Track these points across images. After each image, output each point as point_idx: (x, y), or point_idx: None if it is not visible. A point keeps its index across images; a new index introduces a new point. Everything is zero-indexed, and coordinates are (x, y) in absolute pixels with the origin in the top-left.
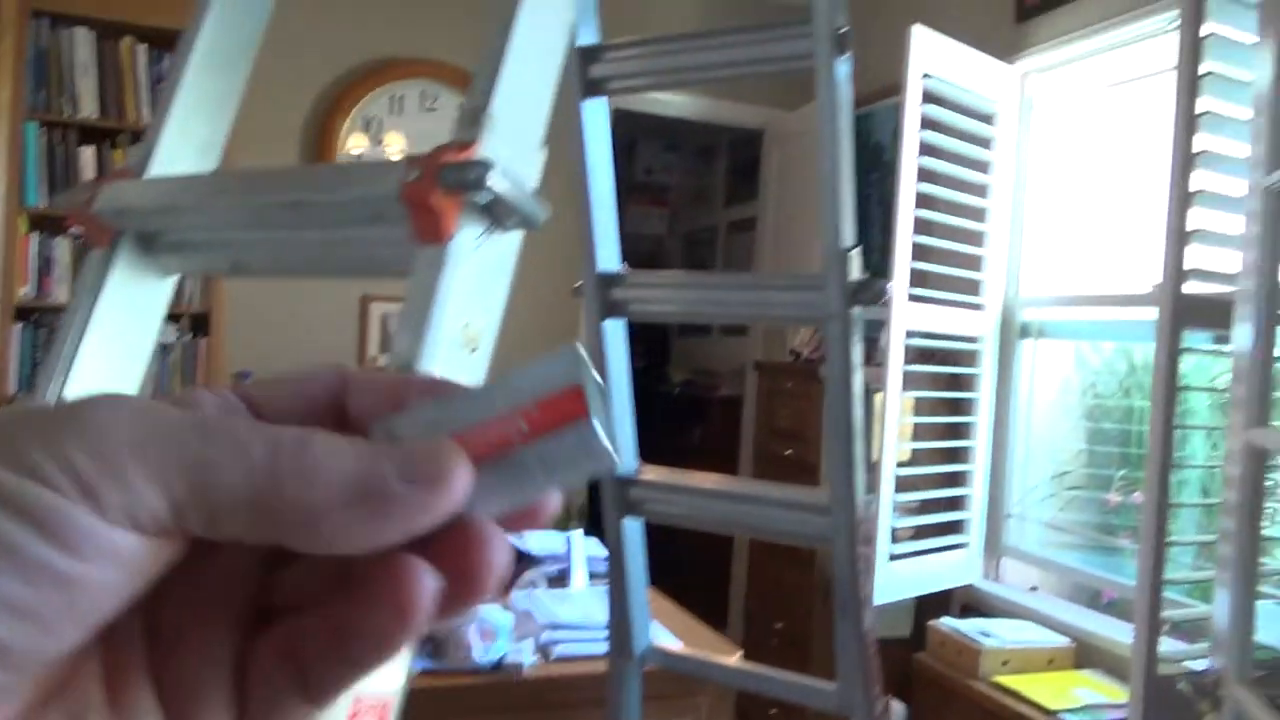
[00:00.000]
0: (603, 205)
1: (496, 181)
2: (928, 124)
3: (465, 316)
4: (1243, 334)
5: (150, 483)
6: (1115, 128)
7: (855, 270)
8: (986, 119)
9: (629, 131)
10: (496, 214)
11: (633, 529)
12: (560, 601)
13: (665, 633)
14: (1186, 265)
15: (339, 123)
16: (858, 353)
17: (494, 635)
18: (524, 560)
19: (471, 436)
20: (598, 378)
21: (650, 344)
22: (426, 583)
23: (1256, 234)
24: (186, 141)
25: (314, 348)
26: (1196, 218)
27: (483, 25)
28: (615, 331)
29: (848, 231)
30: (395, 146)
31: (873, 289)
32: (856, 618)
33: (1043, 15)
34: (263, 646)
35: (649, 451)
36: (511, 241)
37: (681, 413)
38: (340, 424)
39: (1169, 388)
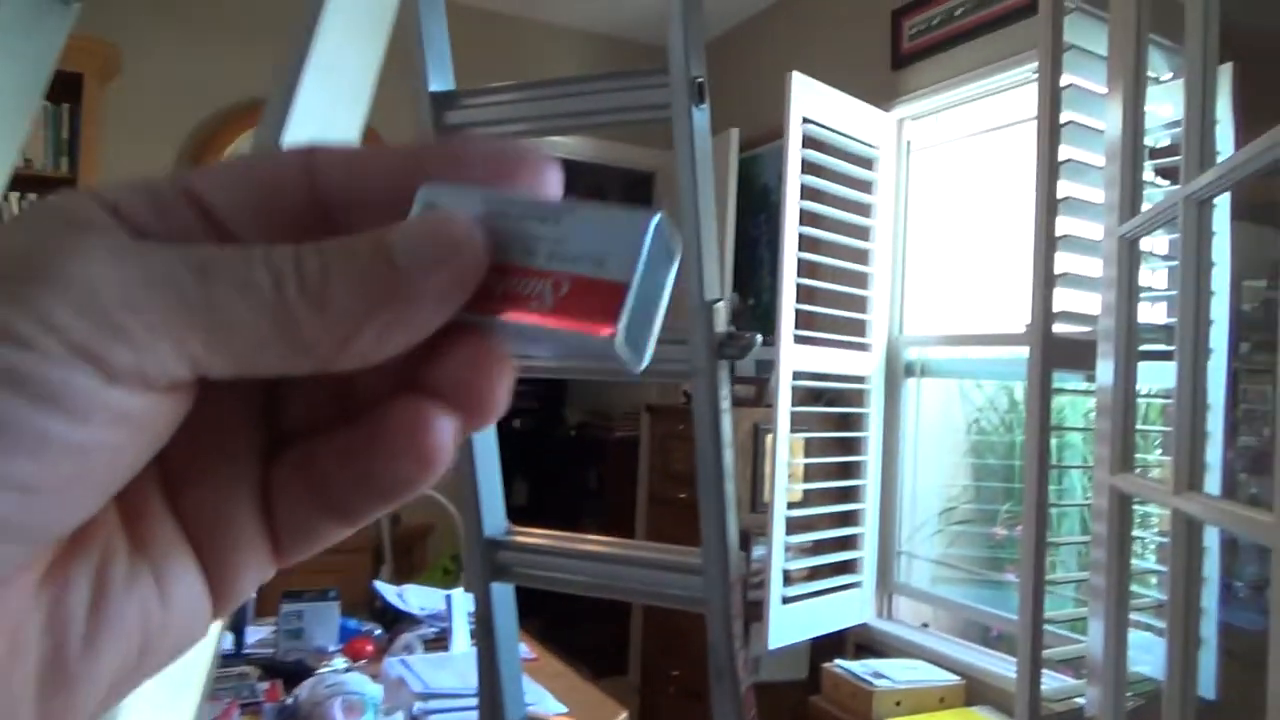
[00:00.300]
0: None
1: None
2: (811, 169)
3: None
4: (1104, 372)
5: (159, 338)
6: (989, 173)
7: (721, 323)
8: (867, 163)
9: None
10: None
11: (502, 594)
12: (437, 667)
13: (547, 697)
14: (1055, 308)
15: (210, 161)
16: (726, 419)
17: (360, 710)
18: (401, 621)
19: (504, 271)
20: (671, 246)
21: (546, 384)
22: (445, 431)
23: (1113, 277)
24: None
25: None
26: (1062, 262)
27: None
28: None
29: (712, 283)
30: None
31: (740, 342)
32: (733, 682)
33: (916, 64)
34: (284, 473)
35: (546, 493)
36: None
37: (578, 455)
38: (318, 218)
39: (1041, 427)
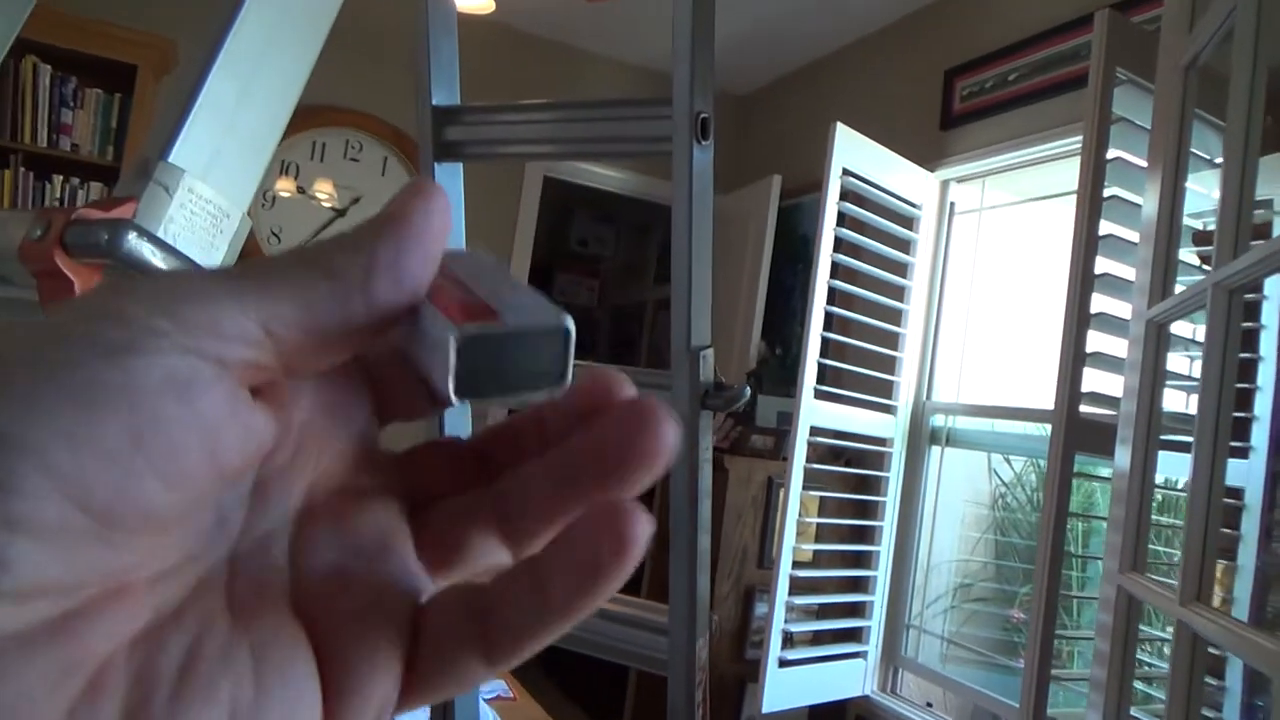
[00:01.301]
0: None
1: (136, 245)
2: (850, 223)
3: None
4: (1121, 458)
5: (254, 319)
6: (1032, 242)
7: (707, 372)
8: (908, 222)
9: (564, 200)
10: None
11: (446, 173)
12: None
13: None
14: (1083, 388)
15: None
16: (706, 469)
17: None
18: None
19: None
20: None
21: None
22: (639, 519)
23: (1138, 360)
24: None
25: None
26: (1095, 341)
27: (407, 79)
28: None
29: (701, 329)
30: (324, 193)
31: (726, 394)
32: None
33: (966, 125)
34: (442, 596)
35: None
36: None
37: None
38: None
39: (1058, 511)
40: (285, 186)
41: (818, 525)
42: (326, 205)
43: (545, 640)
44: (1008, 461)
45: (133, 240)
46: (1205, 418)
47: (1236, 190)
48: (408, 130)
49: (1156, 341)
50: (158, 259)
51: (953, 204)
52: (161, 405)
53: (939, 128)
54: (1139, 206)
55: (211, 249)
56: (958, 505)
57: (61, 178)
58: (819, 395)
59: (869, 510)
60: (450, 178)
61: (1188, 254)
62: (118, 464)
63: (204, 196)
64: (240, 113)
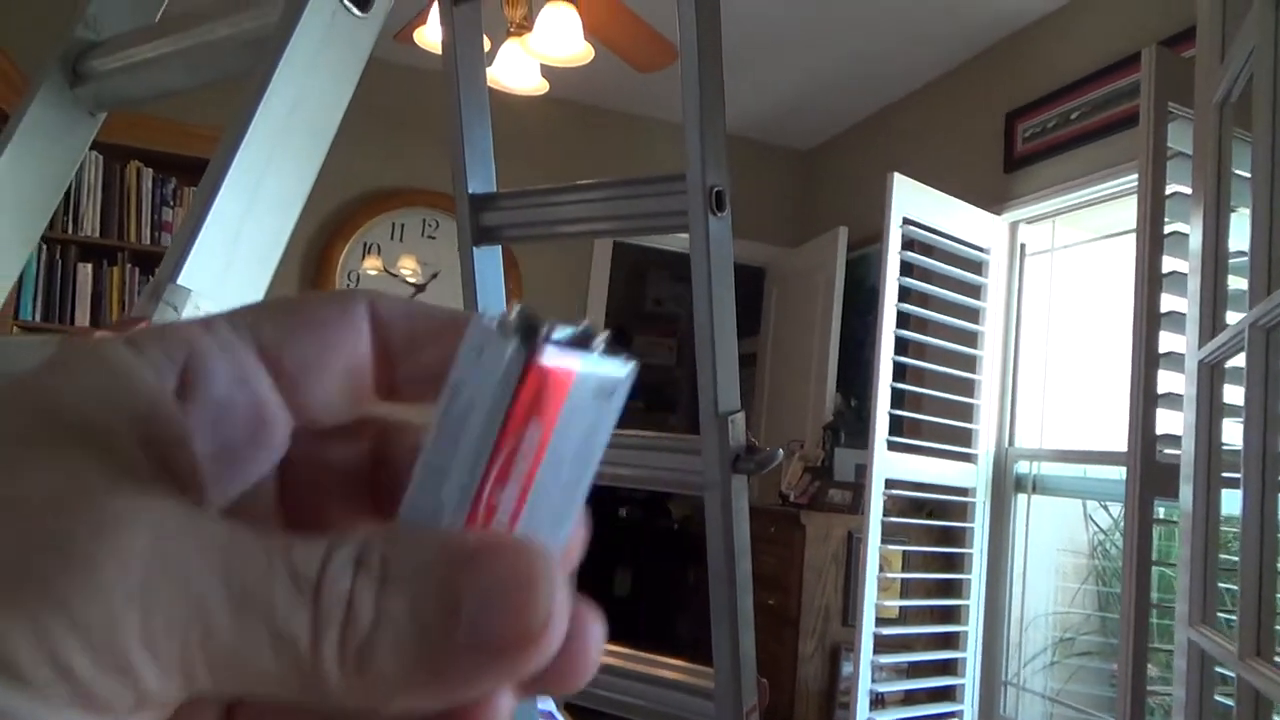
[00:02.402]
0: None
1: None
2: (917, 272)
3: None
4: (1185, 498)
5: (169, 678)
6: (1105, 280)
7: (738, 436)
8: (976, 267)
9: (639, 262)
10: None
11: (486, 258)
12: None
13: None
14: (1158, 429)
15: (340, 246)
16: (743, 528)
17: None
18: None
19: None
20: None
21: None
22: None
23: (1193, 396)
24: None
25: None
26: (1166, 380)
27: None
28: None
29: (729, 394)
30: (408, 268)
31: (757, 456)
32: None
33: (1030, 166)
34: None
35: (647, 585)
36: None
37: (679, 550)
38: (381, 367)
39: (1139, 560)
40: (373, 264)
41: (902, 580)
42: (410, 280)
43: None
44: (1105, 508)
45: None
46: (1251, 458)
47: (1265, 223)
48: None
49: (1210, 379)
50: None
51: (1023, 245)
52: None
53: (1003, 170)
54: None
55: None
56: (1051, 555)
57: (132, 264)
58: (894, 447)
59: (956, 563)
60: (489, 259)
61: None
62: None
63: (210, 312)
64: (246, 227)
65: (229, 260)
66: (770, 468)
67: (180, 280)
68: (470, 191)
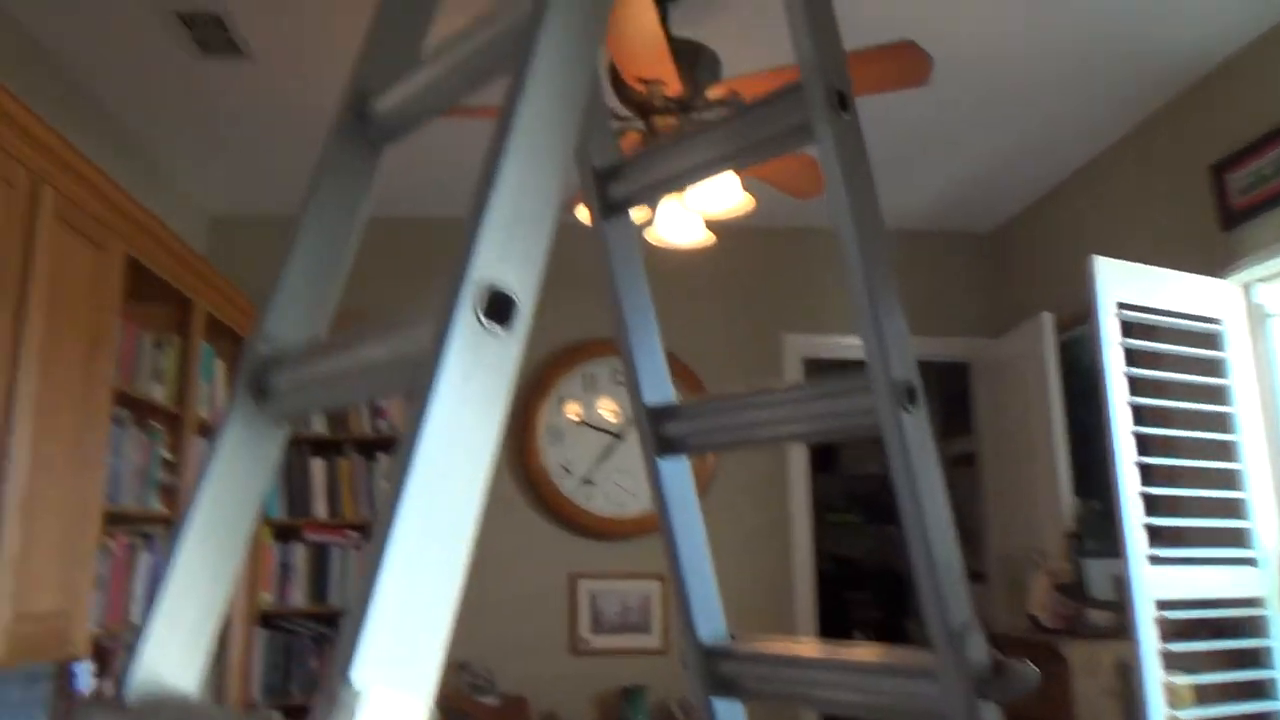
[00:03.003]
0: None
1: None
2: (1140, 359)
3: None
4: None
5: None
6: None
7: (978, 652)
8: (1210, 341)
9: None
10: None
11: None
12: None
13: None
14: None
15: (538, 405)
16: None
17: None
18: None
19: None
20: None
21: (889, 593)
22: None
23: None
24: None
25: (525, 626)
26: None
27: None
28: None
29: (957, 606)
30: (608, 412)
31: (1009, 679)
32: None
33: (1255, 219)
34: None
35: None
36: None
37: None
38: None
39: None
40: (574, 410)
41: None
42: (612, 424)
43: None
44: None
45: None
46: None
47: None
48: (671, 349)
49: None
50: None
51: (1259, 306)
52: None
53: (1220, 228)
54: None
55: None
56: None
57: (385, 454)
58: (1156, 560)
59: (1263, 689)
60: (675, 468)
61: None
62: None
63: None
64: (412, 601)
65: (396, 639)
66: (1028, 689)
67: (352, 673)
68: (646, 404)
